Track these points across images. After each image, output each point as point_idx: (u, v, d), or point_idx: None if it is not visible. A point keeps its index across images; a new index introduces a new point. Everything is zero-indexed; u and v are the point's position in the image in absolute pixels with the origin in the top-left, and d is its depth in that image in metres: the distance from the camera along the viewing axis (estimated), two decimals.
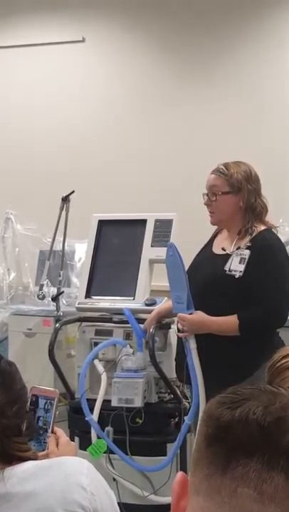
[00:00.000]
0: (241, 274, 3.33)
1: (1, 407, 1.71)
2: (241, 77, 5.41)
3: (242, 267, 3.33)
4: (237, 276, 3.33)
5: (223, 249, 3.44)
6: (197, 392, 3.38)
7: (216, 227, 3.62)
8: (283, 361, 1.35)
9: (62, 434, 2.01)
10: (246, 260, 3.34)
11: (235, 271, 3.34)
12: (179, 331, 3.44)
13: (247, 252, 3.36)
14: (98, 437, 3.79)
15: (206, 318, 3.33)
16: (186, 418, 3.58)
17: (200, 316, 3.33)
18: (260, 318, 3.32)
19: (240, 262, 3.35)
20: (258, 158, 4.94)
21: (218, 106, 5.45)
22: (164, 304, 3.84)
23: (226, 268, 3.36)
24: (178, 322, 3.44)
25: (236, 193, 3.42)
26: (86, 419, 3.80)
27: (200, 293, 3.34)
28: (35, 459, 1.76)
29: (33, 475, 1.69)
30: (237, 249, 3.38)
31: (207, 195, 3.49)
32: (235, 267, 3.34)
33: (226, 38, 5.48)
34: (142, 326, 3.84)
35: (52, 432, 2.00)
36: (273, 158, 5.23)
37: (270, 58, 5.37)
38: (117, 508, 1.81)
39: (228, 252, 3.41)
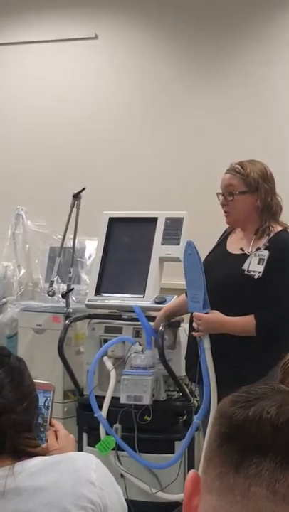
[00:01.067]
0: (260, 274, 3.30)
1: (11, 404, 1.72)
2: (253, 76, 5.40)
3: (261, 268, 3.31)
4: (256, 277, 3.30)
5: (242, 249, 3.41)
6: (209, 392, 3.37)
7: (226, 226, 3.60)
8: None
9: (60, 426, 2.03)
10: (265, 261, 3.32)
11: (254, 271, 3.31)
12: (192, 329, 3.41)
13: (266, 253, 3.33)
14: (107, 434, 3.80)
15: (222, 318, 3.30)
16: (195, 417, 3.58)
17: (216, 315, 3.30)
18: (277, 319, 3.30)
19: (258, 263, 3.32)
20: (269, 157, 4.94)
21: (231, 104, 5.43)
22: (172, 302, 3.82)
23: (245, 268, 3.33)
24: (192, 321, 3.42)
25: (253, 192, 3.39)
26: (95, 415, 3.81)
27: (216, 292, 3.31)
28: (45, 454, 1.77)
29: (43, 470, 1.70)
30: (257, 249, 3.36)
31: (223, 194, 3.46)
32: (254, 267, 3.32)
33: (240, 37, 5.46)
34: (151, 323, 3.85)
35: (50, 424, 2.01)
36: (285, 157, 5.22)
37: (283, 58, 5.36)
38: (125, 504, 1.82)
39: (246, 252, 3.39)
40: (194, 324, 3.35)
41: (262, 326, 3.26)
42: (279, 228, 3.42)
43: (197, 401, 3.73)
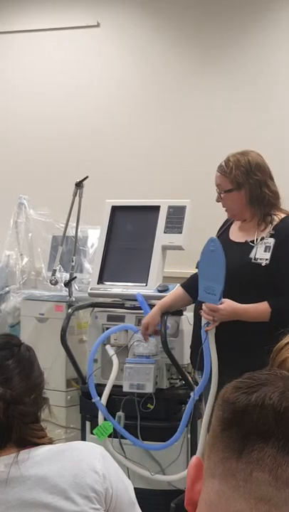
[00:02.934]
0: (268, 262, 3.32)
1: (19, 395, 1.72)
2: (258, 66, 5.38)
3: (268, 255, 3.33)
4: (263, 264, 3.33)
5: (246, 241, 3.42)
6: (208, 372, 3.36)
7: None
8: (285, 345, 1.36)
9: None
10: (271, 248, 3.34)
11: (261, 259, 3.33)
12: (198, 319, 3.40)
13: (271, 241, 3.36)
14: (105, 419, 3.81)
15: (236, 307, 3.29)
16: (192, 393, 3.58)
17: (230, 304, 3.29)
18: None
19: (265, 251, 3.34)
20: (270, 146, 4.94)
21: (234, 93, 5.42)
22: (167, 297, 3.77)
23: (252, 256, 3.35)
24: (198, 309, 3.40)
25: (239, 189, 3.41)
26: (92, 400, 3.81)
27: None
28: (50, 443, 1.78)
29: (47, 459, 1.71)
30: (261, 239, 3.38)
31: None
32: (261, 255, 3.34)
33: (245, 25, 5.44)
34: None
35: None
36: (285, 147, 5.21)
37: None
38: (133, 495, 1.82)
39: (250, 242, 3.40)
40: (205, 315, 3.32)
41: (277, 313, 3.26)
42: (282, 215, 3.43)
43: None
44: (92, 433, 3.87)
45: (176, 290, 3.74)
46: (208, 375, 3.38)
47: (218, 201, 3.51)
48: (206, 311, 3.30)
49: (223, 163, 3.46)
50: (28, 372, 1.78)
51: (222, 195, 3.45)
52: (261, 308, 3.29)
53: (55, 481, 1.68)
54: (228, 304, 3.28)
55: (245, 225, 3.49)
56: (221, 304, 3.28)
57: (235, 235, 3.51)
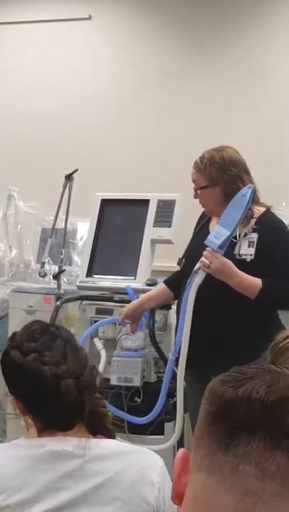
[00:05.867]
0: (252, 257, 3.30)
1: (79, 368, 1.78)
2: (248, 59, 5.38)
3: (252, 251, 3.30)
4: (248, 260, 3.31)
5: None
6: (182, 324, 3.29)
7: None
8: (286, 341, 1.36)
9: None
10: (255, 244, 3.32)
11: (245, 255, 3.31)
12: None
13: (254, 236, 3.33)
14: None
15: (234, 267, 3.25)
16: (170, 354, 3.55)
17: (230, 262, 3.25)
18: (281, 291, 3.30)
19: (249, 246, 3.32)
20: (259, 142, 4.95)
21: (225, 89, 5.42)
22: (149, 292, 3.74)
23: (236, 252, 3.32)
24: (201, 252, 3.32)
25: (213, 185, 3.40)
26: None
27: (209, 276, 3.28)
28: (114, 436, 1.83)
29: (113, 455, 1.73)
30: (245, 235, 3.36)
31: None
32: (245, 250, 3.31)
33: (237, 16, 5.43)
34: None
35: None
36: (274, 142, 5.22)
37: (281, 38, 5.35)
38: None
39: (234, 236, 3.38)
40: (204, 259, 3.22)
41: (266, 291, 3.23)
42: (262, 209, 3.42)
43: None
44: None
45: (159, 286, 3.72)
46: (183, 326, 3.30)
47: (195, 198, 3.48)
48: (207, 254, 3.22)
49: (198, 160, 3.45)
50: (74, 347, 1.85)
51: (198, 191, 3.44)
52: (254, 281, 3.26)
53: (111, 479, 1.70)
54: (228, 260, 3.24)
55: None
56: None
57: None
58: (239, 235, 3.34)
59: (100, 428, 1.80)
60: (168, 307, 3.95)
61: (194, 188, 3.47)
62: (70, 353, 1.80)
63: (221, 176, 3.39)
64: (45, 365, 1.75)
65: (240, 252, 3.32)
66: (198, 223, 3.63)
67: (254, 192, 3.36)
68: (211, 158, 3.42)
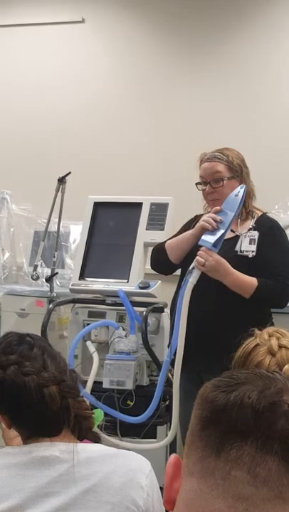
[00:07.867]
0: (254, 254, 3.35)
1: (60, 374, 1.79)
2: (242, 64, 5.39)
3: (253, 247, 3.36)
4: (250, 256, 3.35)
5: (232, 231, 3.41)
6: (178, 325, 3.28)
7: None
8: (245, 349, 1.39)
9: None
10: (256, 241, 3.37)
11: (247, 251, 3.36)
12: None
13: (255, 233, 3.39)
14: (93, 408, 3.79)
15: (229, 266, 3.28)
16: (165, 355, 3.53)
17: (224, 260, 3.27)
18: (277, 289, 3.31)
19: (250, 243, 3.37)
20: (254, 147, 4.95)
21: (219, 90, 5.43)
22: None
23: (237, 249, 3.37)
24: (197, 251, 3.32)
25: (238, 177, 3.44)
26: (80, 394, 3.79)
27: (205, 278, 3.28)
28: (99, 439, 1.83)
29: (100, 458, 1.73)
30: (248, 230, 3.40)
31: (208, 183, 3.47)
32: (246, 247, 3.37)
33: (231, 20, 5.44)
34: (136, 308, 3.84)
35: None
36: (270, 147, 5.22)
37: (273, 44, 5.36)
38: None
39: (237, 233, 3.41)
40: (199, 258, 3.24)
41: (260, 292, 3.26)
42: (259, 212, 3.49)
43: None
44: None
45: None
46: (178, 328, 3.28)
47: (209, 192, 3.46)
48: (201, 253, 3.25)
49: (219, 153, 3.47)
50: (52, 353, 1.85)
51: (223, 182, 3.42)
52: (249, 280, 3.28)
53: (100, 482, 1.70)
54: (223, 259, 3.26)
55: None
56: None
57: None
58: (241, 233, 3.39)
59: (86, 431, 1.80)
60: (161, 310, 3.95)
61: (214, 180, 3.44)
62: (48, 359, 1.81)
63: (241, 169, 3.47)
64: (26, 376, 1.75)
65: (242, 249, 3.38)
66: (188, 223, 3.63)
67: (253, 194, 3.44)
68: (231, 152, 3.49)
